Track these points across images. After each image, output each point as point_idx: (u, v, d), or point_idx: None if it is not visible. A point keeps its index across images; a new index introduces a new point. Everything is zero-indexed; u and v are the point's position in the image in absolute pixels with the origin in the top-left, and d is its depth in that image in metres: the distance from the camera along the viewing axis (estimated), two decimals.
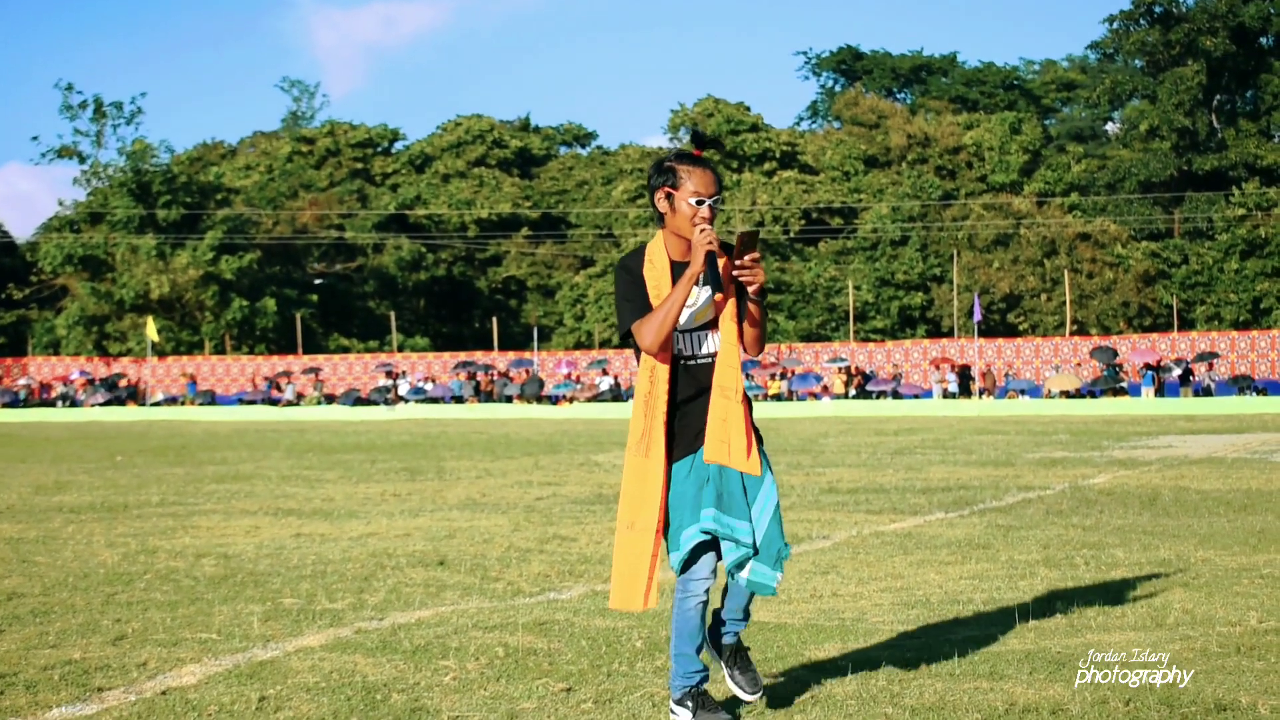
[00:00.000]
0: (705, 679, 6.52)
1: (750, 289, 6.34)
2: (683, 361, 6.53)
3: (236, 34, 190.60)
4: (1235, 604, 9.41)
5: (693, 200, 6.36)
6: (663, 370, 6.47)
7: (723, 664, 6.73)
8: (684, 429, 6.54)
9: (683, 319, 6.45)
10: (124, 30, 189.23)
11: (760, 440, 6.57)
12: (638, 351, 6.49)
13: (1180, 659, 7.60)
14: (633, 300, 6.47)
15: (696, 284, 6.32)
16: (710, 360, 6.51)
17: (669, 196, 6.43)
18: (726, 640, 6.72)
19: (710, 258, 6.21)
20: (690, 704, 6.43)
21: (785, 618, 9.17)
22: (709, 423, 6.42)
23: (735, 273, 6.31)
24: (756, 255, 6.26)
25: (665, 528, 6.56)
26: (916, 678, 7.27)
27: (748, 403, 6.52)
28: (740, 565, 6.45)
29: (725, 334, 6.46)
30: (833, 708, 6.69)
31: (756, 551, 6.42)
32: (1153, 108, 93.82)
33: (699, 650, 6.53)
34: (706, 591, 6.48)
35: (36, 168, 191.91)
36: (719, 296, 6.37)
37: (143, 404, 74.87)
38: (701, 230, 6.27)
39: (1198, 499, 16.63)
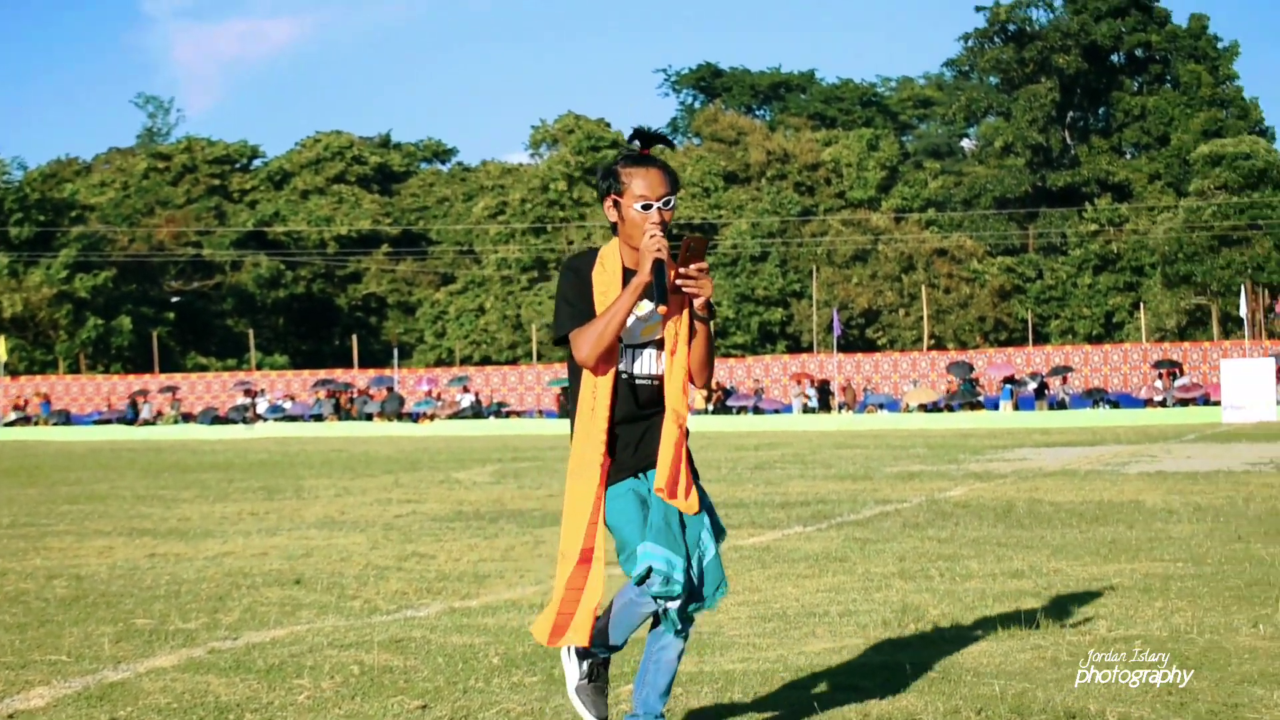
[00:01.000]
0: (609, 659, 6.25)
1: (696, 302, 5.86)
2: (624, 378, 5.98)
3: (92, 49, 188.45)
4: (1086, 613, 9.52)
5: (639, 206, 5.87)
6: (605, 386, 5.91)
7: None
8: (622, 451, 5.99)
9: (630, 332, 5.96)
10: None
11: (695, 473, 6.07)
12: (571, 362, 5.97)
13: (1031, 668, 7.70)
14: (574, 304, 5.91)
15: (644, 295, 5.82)
16: (653, 382, 5.99)
17: (615, 204, 5.94)
18: None
19: (659, 266, 5.70)
20: (585, 664, 6.15)
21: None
22: (660, 454, 5.90)
23: (679, 282, 5.78)
24: (704, 265, 5.80)
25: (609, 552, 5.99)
26: (772, 690, 7.31)
27: (685, 432, 5.98)
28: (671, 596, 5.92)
29: (677, 355, 5.93)
30: None
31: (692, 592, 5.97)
32: (1007, 125, 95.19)
33: (618, 647, 6.20)
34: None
35: None
36: (663, 309, 5.81)
37: None
38: (651, 236, 5.76)
39: (1051, 511, 16.83)
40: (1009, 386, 63.41)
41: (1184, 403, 58.90)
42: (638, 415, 5.99)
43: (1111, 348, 72.84)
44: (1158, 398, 60.75)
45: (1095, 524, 15.19)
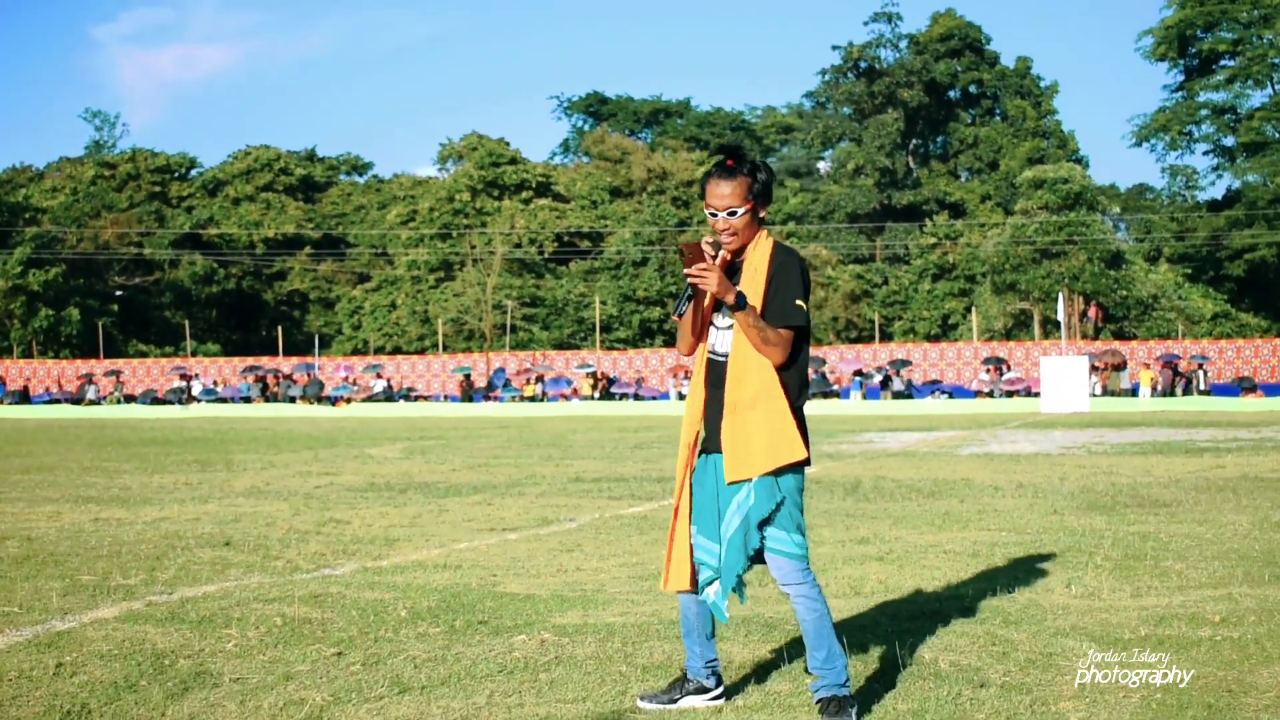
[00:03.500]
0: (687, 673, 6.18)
1: (711, 294, 5.82)
2: (709, 356, 6.01)
3: (45, 68, 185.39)
4: (923, 575, 9.62)
5: (709, 214, 5.89)
6: (697, 363, 6.07)
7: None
8: (708, 424, 5.99)
9: (719, 316, 5.98)
10: None
11: (798, 441, 5.83)
12: None
13: (875, 623, 7.77)
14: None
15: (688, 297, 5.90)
16: (723, 359, 5.92)
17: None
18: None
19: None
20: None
21: (534, 589, 9.17)
22: (723, 439, 5.85)
23: (691, 282, 5.74)
24: (704, 265, 5.68)
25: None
26: (647, 640, 7.33)
27: (768, 410, 5.78)
28: (709, 583, 5.95)
29: (736, 341, 5.87)
30: (574, 666, 6.73)
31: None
32: (859, 149, 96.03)
33: (704, 639, 6.12)
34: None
35: None
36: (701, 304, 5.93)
37: None
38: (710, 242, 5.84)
39: (893, 486, 16.96)
40: (858, 379, 63.85)
41: (1009, 394, 59.51)
42: (712, 392, 5.97)
43: (947, 345, 73.57)
44: (986, 390, 61.37)
45: (931, 498, 15.33)
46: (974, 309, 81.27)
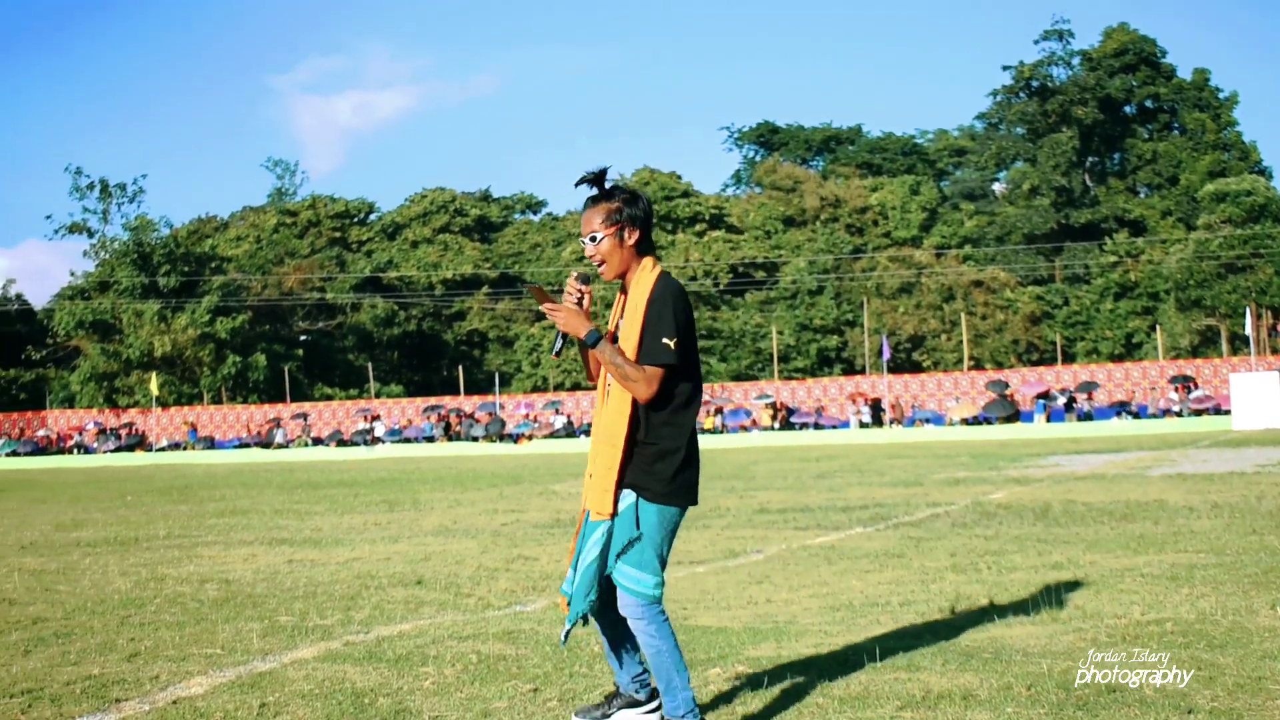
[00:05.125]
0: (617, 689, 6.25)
1: (565, 331, 5.81)
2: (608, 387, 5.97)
3: (227, 120, 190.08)
4: (1120, 599, 9.42)
5: (581, 242, 5.94)
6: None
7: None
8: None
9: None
10: (126, 118, 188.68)
11: (655, 483, 5.75)
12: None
13: (1074, 648, 7.61)
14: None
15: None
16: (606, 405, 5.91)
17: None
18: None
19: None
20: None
21: (726, 621, 9.13)
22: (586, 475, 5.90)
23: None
24: (550, 304, 5.83)
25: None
26: (843, 671, 7.24)
27: (634, 442, 5.75)
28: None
29: (605, 376, 5.96)
30: (770, 699, 6.67)
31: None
32: (1033, 169, 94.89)
33: (627, 653, 6.15)
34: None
35: (50, 243, 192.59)
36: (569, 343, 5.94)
37: (149, 450, 74.36)
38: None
39: (1084, 510, 16.66)
40: (1041, 401, 63.00)
41: (1198, 413, 58.26)
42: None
43: (1132, 365, 72.19)
44: (1174, 409, 60.10)
45: (1124, 521, 15.04)
46: (1158, 327, 79.75)
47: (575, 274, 5.79)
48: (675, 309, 5.72)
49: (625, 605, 5.77)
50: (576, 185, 5.89)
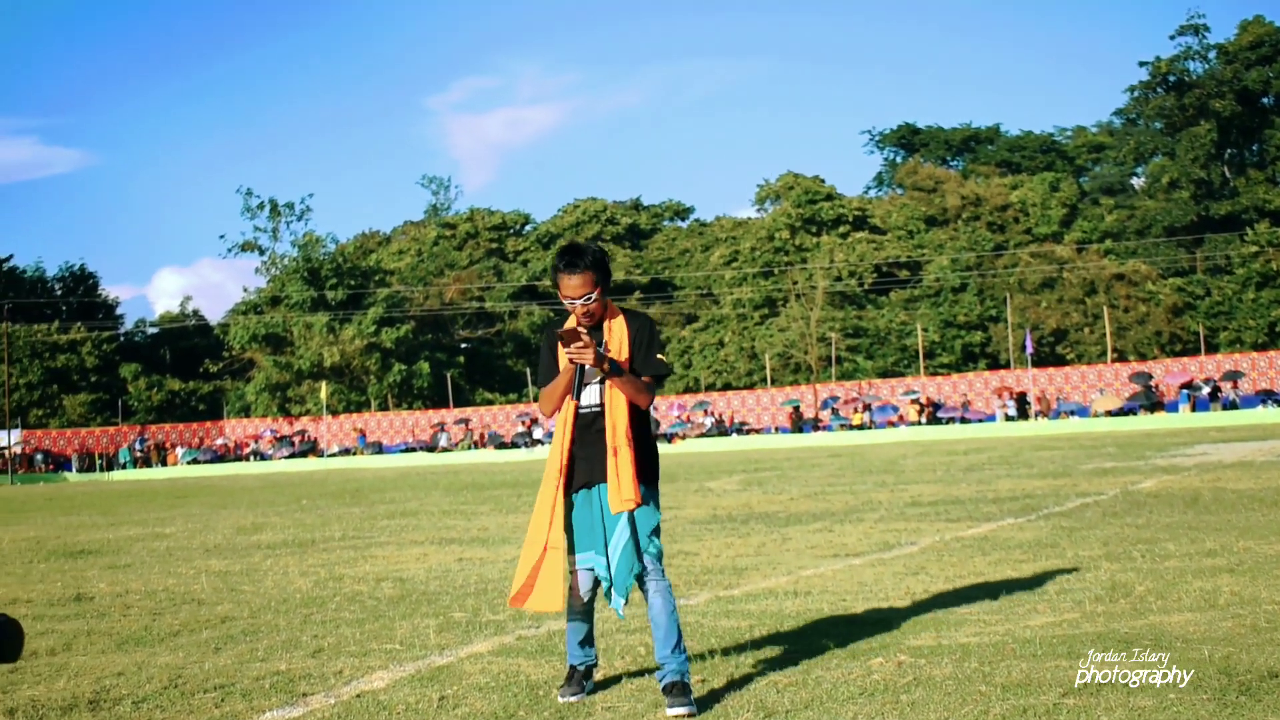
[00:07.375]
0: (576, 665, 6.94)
1: (587, 365, 6.53)
2: (579, 410, 6.72)
3: (388, 140, 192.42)
4: (1277, 585, 9.22)
5: (566, 302, 6.71)
6: (564, 416, 6.74)
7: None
8: (580, 464, 6.68)
9: (588, 374, 6.70)
10: (293, 141, 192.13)
11: (652, 474, 6.75)
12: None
13: (1234, 634, 7.45)
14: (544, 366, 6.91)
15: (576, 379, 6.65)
16: (593, 410, 6.70)
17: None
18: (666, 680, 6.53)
19: (579, 366, 6.62)
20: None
21: (886, 613, 9.07)
22: (608, 475, 6.56)
23: (570, 357, 6.52)
24: (580, 344, 6.47)
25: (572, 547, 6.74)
26: (1004, 659, 7.16)
27: (636, 443, 6.63)
28: (608, 594, 6.66)
29: (608, 394, 6.66)
30: (933, 688, 6.59)
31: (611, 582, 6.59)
32: (1172, 163, 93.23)
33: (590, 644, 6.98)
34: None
35: (224, 261, 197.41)
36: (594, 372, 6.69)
37: (321, 455, 75.52)
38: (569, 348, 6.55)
39: (1234, 497, 16.34)
40: (1186, 391, 61.90)
41: None
42: (588, 437, 6.69)
43: (1276, 354, 70.66)
44: None
45: (1275, 508, 14.73)
46: None
47: (562, 330, 6.57)
48: (654, 330, 6.88)
49: (654, 573, 6.64)
50: (560, 253, 6.76)
